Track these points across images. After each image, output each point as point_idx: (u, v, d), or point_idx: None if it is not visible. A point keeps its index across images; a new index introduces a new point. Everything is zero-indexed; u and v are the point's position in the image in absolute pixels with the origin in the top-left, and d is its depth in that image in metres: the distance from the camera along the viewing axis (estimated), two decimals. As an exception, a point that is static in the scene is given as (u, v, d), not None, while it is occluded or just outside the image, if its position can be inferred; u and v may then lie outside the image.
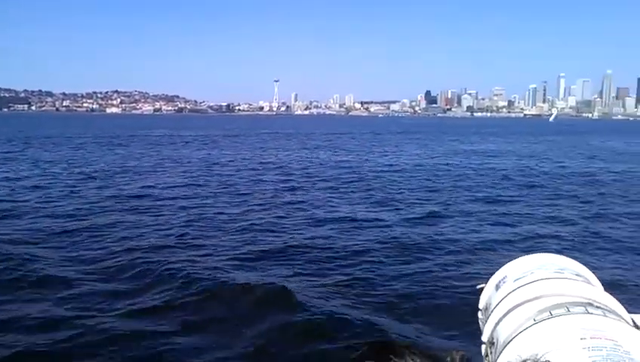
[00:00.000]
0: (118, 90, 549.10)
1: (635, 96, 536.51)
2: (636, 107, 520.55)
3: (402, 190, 24.32)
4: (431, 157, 44.04)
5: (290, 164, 36.11)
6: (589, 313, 1.54)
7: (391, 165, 36.79)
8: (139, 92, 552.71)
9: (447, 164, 37.29)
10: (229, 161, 38.09)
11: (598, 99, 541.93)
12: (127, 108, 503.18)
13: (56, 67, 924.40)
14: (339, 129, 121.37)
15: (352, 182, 26.96)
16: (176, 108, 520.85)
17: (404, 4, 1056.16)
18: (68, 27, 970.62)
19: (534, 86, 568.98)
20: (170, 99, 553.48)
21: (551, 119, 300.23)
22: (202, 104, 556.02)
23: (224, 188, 24.43)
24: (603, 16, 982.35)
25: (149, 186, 24.45)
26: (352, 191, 23.72)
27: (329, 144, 63.66)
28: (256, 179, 28.10)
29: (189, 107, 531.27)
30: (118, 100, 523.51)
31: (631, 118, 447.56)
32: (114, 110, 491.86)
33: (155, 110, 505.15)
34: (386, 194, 23.03)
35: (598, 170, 33.52)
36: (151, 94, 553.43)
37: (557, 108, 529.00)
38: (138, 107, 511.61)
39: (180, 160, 38.96)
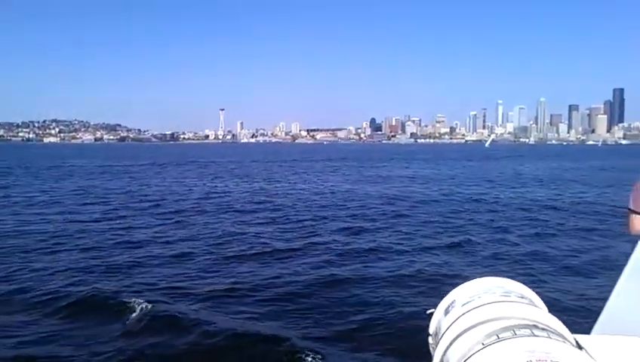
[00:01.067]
0: (57, 119, 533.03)
1: (567, 122, 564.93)
2: (568, 133, 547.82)
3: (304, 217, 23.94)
4: (343, 183, 43.89)
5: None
6: (534, 335, 1.55)
7: (298, 192, 36.26)
8: (79, 121, 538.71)
9: (347, 190, 37.08)
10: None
11: (534, 125, 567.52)
12: (67, 138, 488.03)
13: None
14: (254, 157, 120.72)
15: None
16: (118, 137, 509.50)
17: (349, 33, 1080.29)
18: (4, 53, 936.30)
19: (474, 113, 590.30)
20: (112, 128, 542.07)
21: (487, 144, 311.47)
22: (146, 133, 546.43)
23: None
24: (536, 45, 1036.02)
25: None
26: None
27: (224, 170, 62.91)
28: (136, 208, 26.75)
29: (131, 136, 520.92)
30: (57, 130, 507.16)
31: (564, 143, 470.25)
32: (52, 139, 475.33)
33: (95, 139, 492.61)
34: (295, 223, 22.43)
35: (482, 194, 33.99)
36: (92, 123, 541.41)
37: (496, 133, 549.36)
38: (78, 136, 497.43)
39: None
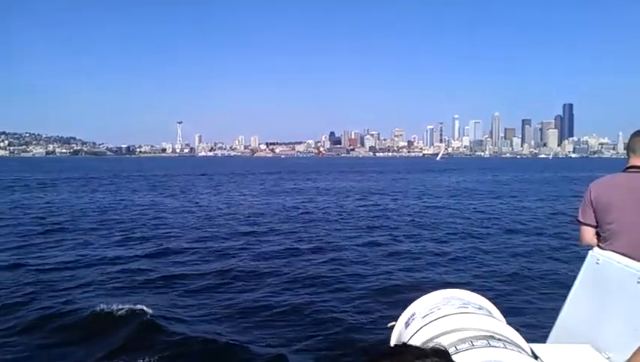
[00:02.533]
0: (5, 131, 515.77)
1: (520, 136, 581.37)
2: (522, 146, 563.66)
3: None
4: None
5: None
6: (491, 346, 1.58)
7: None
8: (30, 133, 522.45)
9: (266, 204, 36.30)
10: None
11: (489, 138, 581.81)
12: (16, 151, 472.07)
13: None
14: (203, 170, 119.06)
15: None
16: (71, 150, 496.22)
17: (308, 47, 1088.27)
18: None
19: (432, 127, 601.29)
20: (65, 140, 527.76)
21: (438, 158, 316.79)
22: (101, 146, 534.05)
23: None
24: (490, 60, 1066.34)
25: None
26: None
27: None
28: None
29: (85, 149, 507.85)
30: (6, 142, 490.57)
31: (518, 156, 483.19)
32: (0, 153, 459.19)
33: (47, 153, 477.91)
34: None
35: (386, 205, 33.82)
36: (44, 136, 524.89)
37: (452, 147, 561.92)
38: (29, 150, 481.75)
39: None
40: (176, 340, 8.91)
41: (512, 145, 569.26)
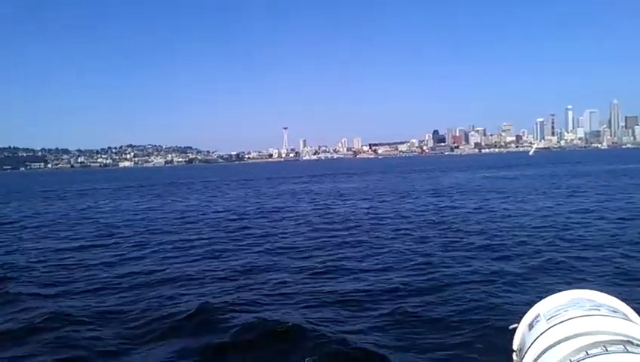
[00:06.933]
0: (132, 144, 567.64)
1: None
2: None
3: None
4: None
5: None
6: (628, 351, 1.45)
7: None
8: (152, 145, 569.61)
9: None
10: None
11: (607, 129, 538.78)
12: (140, 162, 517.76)
13: (73, 124, 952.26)
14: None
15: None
16: (187, 159, 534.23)
17: (409, 47, 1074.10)
18: (86, 85, 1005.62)
19: (542, 119, 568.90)
20: (182, 150, 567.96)
21: (530, 153, 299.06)
22: (213, 154, 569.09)
23: None
24: (605, 46, 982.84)
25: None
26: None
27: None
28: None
29: (199, 158, 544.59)
30: (132, 154, 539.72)
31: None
32: (126, 164, 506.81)
33: (166, 162, 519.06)
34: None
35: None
36: (164, 147, 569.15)
37: (565, 140, 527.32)
38: (150, 160, 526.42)
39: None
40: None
41: (634, 135, 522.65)
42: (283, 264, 16.75)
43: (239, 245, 20.88)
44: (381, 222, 26.27)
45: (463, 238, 20.22)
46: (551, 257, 15.61)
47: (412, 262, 16.03)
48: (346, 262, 16.58)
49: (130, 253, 20.22)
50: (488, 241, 19.11)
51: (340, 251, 18.58)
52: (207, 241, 22.02)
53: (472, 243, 18.87)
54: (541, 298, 2.00)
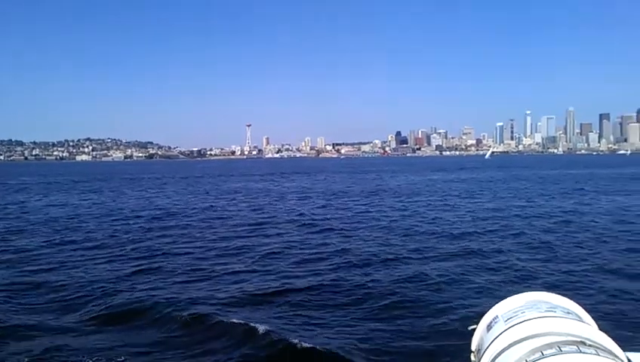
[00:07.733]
0: (90, 137, 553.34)
1: (597, 131, 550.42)
2: (599, 142, 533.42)
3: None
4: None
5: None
6: (581, 352, 1.50)
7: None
8: (112, 139, 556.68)
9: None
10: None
11: (563, 135, 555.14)
12: (98, 156, 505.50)
13: (28, 116, 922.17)
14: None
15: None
16: (147, 154, 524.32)
17: (375, 46, 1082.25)
18: (46, 77, 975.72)
19: (501, 124, 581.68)
20: (142, 145, 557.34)
21: (486, 156, 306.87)
22: (174, 150, 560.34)
23: None
24: (563, 54, 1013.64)
25: None
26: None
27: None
28: None
29: (160, 153, 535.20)
30: (90, 148, 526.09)
31: (594, 153, 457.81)
32: (84, 158, 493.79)
33: (125, 157, 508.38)
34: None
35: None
36: (124, 141, 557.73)
37: (523, 144, 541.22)
38: (109, 154, 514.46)
39: None
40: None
41: (587, 141, 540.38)
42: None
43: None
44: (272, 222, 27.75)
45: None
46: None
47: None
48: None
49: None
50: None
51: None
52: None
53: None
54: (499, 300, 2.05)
